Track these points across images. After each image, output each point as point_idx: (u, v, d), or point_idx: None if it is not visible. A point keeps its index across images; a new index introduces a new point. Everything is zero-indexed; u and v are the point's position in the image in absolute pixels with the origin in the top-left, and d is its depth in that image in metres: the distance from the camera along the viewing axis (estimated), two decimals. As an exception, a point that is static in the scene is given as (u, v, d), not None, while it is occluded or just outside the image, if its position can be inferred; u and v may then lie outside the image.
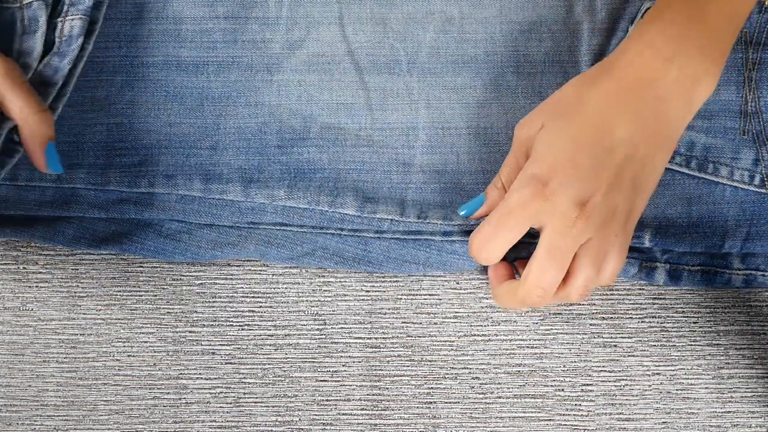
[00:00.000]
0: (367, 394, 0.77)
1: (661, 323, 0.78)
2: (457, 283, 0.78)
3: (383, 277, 0.78)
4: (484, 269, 0.78)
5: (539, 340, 0.78)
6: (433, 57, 0.78)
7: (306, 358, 0.77)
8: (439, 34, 0.78)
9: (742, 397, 0.77)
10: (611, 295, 0.78)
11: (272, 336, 0.78)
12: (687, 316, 0.78)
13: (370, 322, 0.78)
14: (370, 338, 0.78)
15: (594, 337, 0.78)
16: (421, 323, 0.78)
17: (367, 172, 0.77)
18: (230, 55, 0.78)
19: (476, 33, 0.78)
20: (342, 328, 0.78)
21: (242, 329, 0.78)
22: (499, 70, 0.78)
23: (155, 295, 0.78)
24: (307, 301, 0.78)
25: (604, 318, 0.78)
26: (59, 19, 0.74)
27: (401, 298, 0.78)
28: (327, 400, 0.77)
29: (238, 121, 0.78)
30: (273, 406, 0.77)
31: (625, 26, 0.78)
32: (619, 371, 0.77)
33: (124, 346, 0.77)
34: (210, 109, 0.78)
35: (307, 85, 0.78)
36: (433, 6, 0.79)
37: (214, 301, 0.78)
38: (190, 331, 0.78)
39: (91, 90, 0.78)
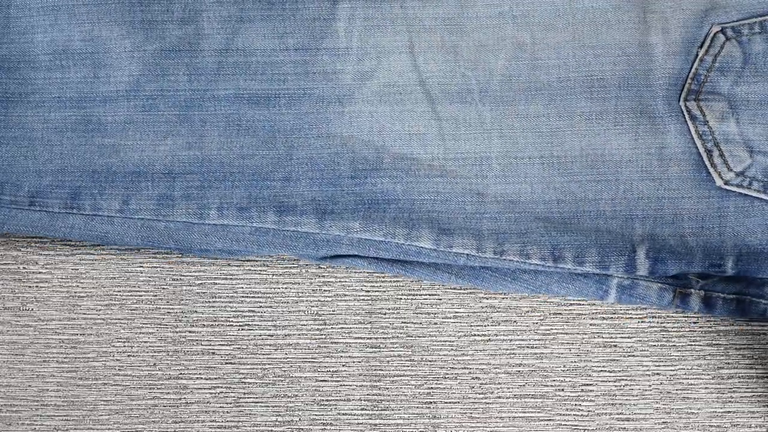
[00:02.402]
0: (367, 394, 0.77)
1: (661, 323, 0.78)
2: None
3: (383, 277, 0.78)
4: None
5: (539, 340, 0.78)
6: (505, 85, 0.77)
7: (306, 358, 0.77)
8: (511, 62, 0.77)
9: (742, 397, 0.77)
10: (611, 295, 0.78)
11: (272, 336, 0.78)
12: (687, 316, 0.78)
13: (370, 322, 0.78)
14: (370, 338, 0.78)
15: (594, 337, 0.78)
16: (421, 323, 0.78)
17: (442, 203, 0.76)
18: (301, 87, 0.77)
19: (548, 59, 0.77)
20: (342, 328, 0.78)
21: (242, 329, 0.78)
22: (572, 96, 0.77)
23: (155, 295, 0.78)
24: (307, 301, 0.78)
25: (604, 318, 0.78)
26: None
27: (401, 298, 0.78)
28: (327, 400, 0.77)
29: (310, 152, 0.77)
30: (273, 406, 0.77)
31: (696, 50, 0.76)
32: (619, 371, 0.77)
33: (124, 346, 0.77)
34: (282, 141, 0.77)
35: (379, 115, 0.77)
36: (505, 32, 0.77)
37: (214, 301, 0.78)
38: (190, 331, 0.78)
39: (161, 124, 0.77)
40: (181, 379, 0.77)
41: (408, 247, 0.75)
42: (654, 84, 0.76)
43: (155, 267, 0.78)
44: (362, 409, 0.77)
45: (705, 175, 0.75)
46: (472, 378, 0.77)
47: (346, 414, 0.77)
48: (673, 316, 0.78)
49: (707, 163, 0.75)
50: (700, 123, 0.75)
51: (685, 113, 0.75)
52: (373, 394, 0.77)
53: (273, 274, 0.78)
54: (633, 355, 0.77)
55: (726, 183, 0.75)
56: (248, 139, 0.77)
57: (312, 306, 0.78)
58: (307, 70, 0.77)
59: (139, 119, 0.77)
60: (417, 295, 0.78)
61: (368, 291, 0.78)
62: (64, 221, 0.76)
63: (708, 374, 0.77)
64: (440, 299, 0.78)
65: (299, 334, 0.78)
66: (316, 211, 0.76)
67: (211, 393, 0.77)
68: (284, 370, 0.77)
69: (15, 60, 0.77)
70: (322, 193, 0.76)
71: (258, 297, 0.78)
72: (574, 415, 0.77)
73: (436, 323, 0.78)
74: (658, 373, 0.77)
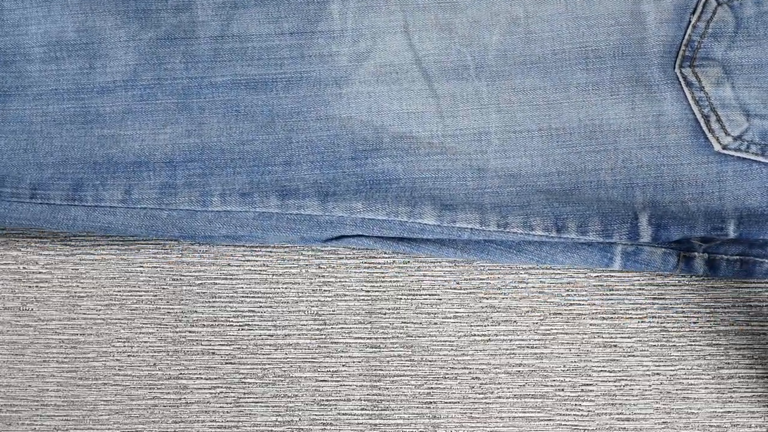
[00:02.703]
0: (367, 394, 0.77)
1: (661, 323, 0.78)
2: (457, 283, 0.78)
3: (383, 277, 0.78)
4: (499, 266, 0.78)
5: (539, 340, 0.78)
6: (500, 59, 0.77)
7: (306, 358, 0.77)
8: (505, 36, 0.77)
9: (742, 397, 0.77)
10: (611, 295, 0.78)
11: (272, 336, 0.78)
12: (687, 316, 0.78)
13: (370, 322, 0.78)
14: (370, 338, 0.78)
15: (594, 337, 0.78)
16: (421, 323, 0.78)
17: (443, 180, 0.76)
18: (298, 71, 0.77)
19: (542, 32, 0.77)
20: (342, 328, 0.78)
21: (242, 329, 0.78)
22: (567, 68, 0.77)
23: (155, 295, 0.78)
24: (307, 301, 0.78)
25: (604, 318, 0.78)
26: None
27: (401, 298, 0.78)
28: (327, 400, 0.77)
29: (309, 134, 0.77)
30: (273, 406, 0.77)
31: (689, 16, 0.77)
32: (619, 371, 0.77)
33: (124, 346, 0.77)
34: (281, 125, 0.77)
35: (377, 96, 0.77)
36: (498, 7, 0.78)
37: (214, 301, 0.78)
38: (190, 331, 0.78)
39: (160, 113, 0.77)
40: (181, 379, 0.77)
41: (411, 225, 0.76)
42: (648, 52, 0.77)
43: (155, 267, 0.78)
44: (362, 409, 0.77)
45: (703, 141, 0.76)
46: (472, 378, 0.77)
47: (346, 414, 0.77)
48: (673, 316, 0.78)
49: (705, 128, 0.76)
50: (695, 89, 0.76)
51: (681, 80, 0.76)
52: (373, 394, 0.77)
53: (273, 274, 0.78)
54: (633, 355, 0.77)
55: (724, 147, 0.75)
56: (247, 124, 0.77)
57: (312, 306, 0.78)
58: (303, 54, 0.78)
59: (138, 109, 0.77)
60: (417, 295, 0.78)
61: (368, 291, 0.78)
62: (66, 213, 0.76)
63: (708, 374, 0.77)
64: (440, 299, 0.78)
65: (299, 334, 0.78)
66: (319, 194, 0.76)
67: (211, 393, 0.77)
68: (284, 370, 0.77)
69: (10, 53, 0.77)
70: (324, 176, 0.77)
71: (258, 297, 0.78)
72: (574, 415, 0.77)
73: (436, 323, 0.78)
74: (658, 373, 0.77)
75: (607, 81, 0.77)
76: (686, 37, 0.76)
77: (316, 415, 0.77)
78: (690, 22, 0.77)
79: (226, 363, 0.77)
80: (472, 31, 0.78)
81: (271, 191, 0.76)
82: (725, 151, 0.75)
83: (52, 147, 0.77)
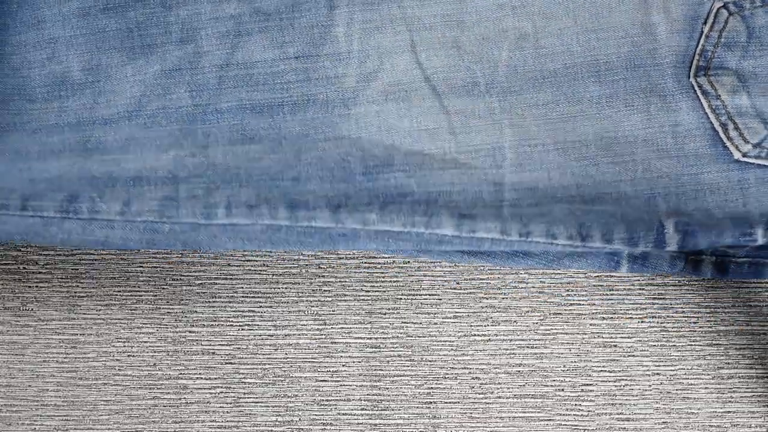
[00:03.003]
0: (367, 394, 0.77)
1: (661, 323, 0.78)
2: (457, 283, 0.78)
3: (383, 277, 0.78)
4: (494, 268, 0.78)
5: (539, 340, 0.78)
6: (511, 75, 0.76)
7: (306, 358, 0.77)
8: (515, 52, 0.77)
9: (742, 397, 0.77)
10: (611, 295, 0.78)
11: (272, 336, 0.78)
12: (687, 316, 0.78)
13: (370, 322, 0.78)
14: (370, 338, 0.78)
15: (594, 337, 0.78)
16: (421, 323, 0.78)
17: (459, 193, 0.75)
18: (305, 94, 0.76)
19: (552, 46, 0.77)
20: (342, 328, 0.78)
21: (242, 329, 0.78)
22: (579, 81, 0.76)
23: (155, 295, 0.78)
24: (307, 301, 0.78)
25: (604, 318, 0.78)
26: None
27: (401, 298, 0.78)
28: (327, 400, 0.77)
29: (319, 153, 0.75)
30: (273, 406, 0.77)
31: (701, 26, 0.77)
32: (619, 371, 0.77)
33: (124, 346, 0.77)
34: (289, 146, 0.76)
35: (386, 114, 0.76)
36: (506, 23, 0.77)
37: (214, 301, 0.78)
38: (190, 331, 0.78)
39: (164, 138, 0.76)
40: (181, 379, 0.77)
41: (429, 236, 0.73)
42: (661, 63, 0.76)
43: (155, 267, 0.78)
44: (362, 409, 0.77)
45: (722, 149, 0.75)
46: (472, 378, 0.77)
47: (346, 414, 0.77)
48: (673, 316, 0.78)
49: (723, 137, 0.75)
50: (712, 98, 0.75)
51: (697, 89, 0.75)
52: (373, 394, 0.77)
53: (273, 274, 0.78)
54: (633, 355, 0.77)
55: (744, 155, 0.75)
56: (254, 146, 0.76)
57: (312, 306, 0.78)
58: (310, 77, 0.77)
59: (141, 135, 0.75)
60: (417, 295, 0.78)
61: (368, 291, 0.78)
62: (59, 226, 0.73)
63: (708, 374, 0.77)
64: (440, 299, 0.78)
65: (299, 334, 0.78)
66: (330, 205, 0.74)
67: (211, 393, 0.77)
68: (284, 370, 0.77)
69: (9, 93, 0.76)
70: (335, 190, 0.74)
71: (258, 297, 0.78)
72: (574, 415, 0.77)
73: (436, 323, 0.78)
74: (658, 373, 0.77)
75: (621, 93, 0.76)
76: (699, 47, 0.76)
77: (316, 415, 0.77)
78: (702, 32, 0.76)
79: (226, 363, 0.77)
80: (481, 48, 0.77)
81: (280, 203, 0.74)
82: (745, 159, 0.75)
83: (48, 165, 0.74)
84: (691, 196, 0.75)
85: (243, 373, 0.77)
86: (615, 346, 0.78)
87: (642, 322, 0.78)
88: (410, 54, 0.77)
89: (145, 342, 0.77)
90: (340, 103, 0.76)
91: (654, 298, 0.78)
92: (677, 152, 0.75)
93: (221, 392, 0.77)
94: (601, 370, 0.77)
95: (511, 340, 0.78)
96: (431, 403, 0.77)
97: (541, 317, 0.78)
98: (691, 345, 0.78)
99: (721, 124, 0.75)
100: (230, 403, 0.77)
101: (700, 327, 0.78)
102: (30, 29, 0.77)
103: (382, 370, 0.77)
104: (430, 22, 0.77)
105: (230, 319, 0.78)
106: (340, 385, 0.77)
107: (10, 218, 0.73)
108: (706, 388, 0.77)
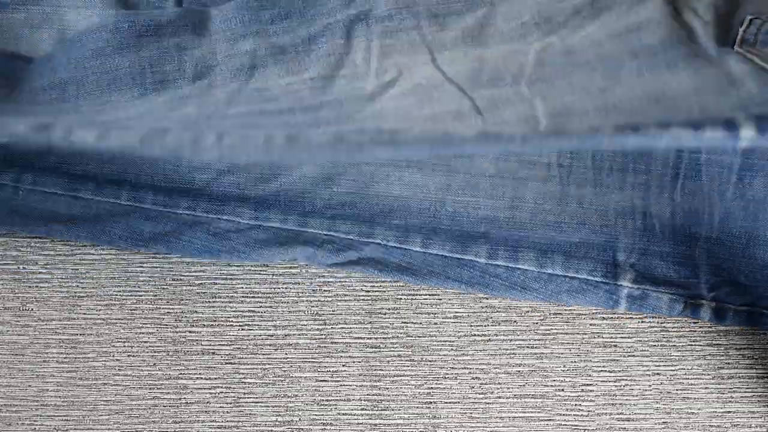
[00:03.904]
0: (367, 394, 0.77)
1: (661, 323, 0.78)
2: (457, 283, 0.78)
3: (383, 277, 0.78)
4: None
5: (539, 340, 0.78)
6: (539, 68, 0.75)
7: (306, 358, 0.77)
8: (541, 53, 0.75)
9: (742, 397, 0.77)
10: (611, 295, 0.78)
11: (272, 336, 0.78)
12: (687, 316, 0.78)
13: (370, 322, 0.78)
14: (370, 338, 0.78)
15: (594, 337, 0.78)
16: (421, 323, 0.78)
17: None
18: (318, 100, 0.76)
19: (582, 45, 0.75)
20: (342, 328, 0.78)
21: (242, 329, 0.78)
22: (616, 62, 0.74)
23: (155, 295, 0.78)
24: (307, 301, 0.78)
25: (604, 318, 0.78)
26: None
27: (401, 298, 0.78)
28: (327, 400, 0.77)
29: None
30: (273, 406, 0.77)
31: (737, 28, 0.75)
32: (619, 371, 0.77)
33: (124, 346, 0.77)
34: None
35: (405, 107, 0.75)
36: (531, 38, 0.76)
37: (214, 301, 0.78)
38: (190, 331, 0.78)
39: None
40: (181, 379, 0.77)
41: (490, 267, 0.77)
42: (699, 42, 0.74)
43: (155, 267, 0.78)
44: (362, 409, 0.77)
45: None
46: (472, 378, 0.77)
47: (346, 414, 0.77)
48: (673, 316, 0.78)
49: None
50: (761, 60, 0.73)
51: (744, 54, 0.73)
52: (373, 394, 0.77)
53: (273, 274, 0.78)
54: (633, 355, 0.77)
55: None
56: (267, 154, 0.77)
57: (312, 306, 0.78)
58: (325, 92, 0.76)
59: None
60: (417, 295, 0.78)
61: (368, 291, 0.78)
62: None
63: (708, 374, 0.77)
64: (440, 299, 0.78)
65: (299, 334, 0.78)
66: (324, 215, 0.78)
67: (211, 393, 0.77)
68: (284, 370, 0.77)
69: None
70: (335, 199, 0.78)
71: (258, 297, 0.78)
72: (574, 415, 0.77)
73: (436, 323, 0.78)
74: (658, 373, 0.77)
75: (662, 62, 0.73)
76: (740, 36, 0.75)
77: (316, 415, 0.77)
78: (737, 31, 0.74)
79: (226, 363, 0.77)
80: (506, 57, 0.75)
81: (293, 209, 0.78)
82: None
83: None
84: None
85: (243, 373, 0.77)
86: (615, 346, 0.78)
87: (642, 322, 0.78)
88: (431, 66, 0.75)
89: (145, 342, 0.77)
90: (354, 101, 0.76)
91: (654, 298, 0.78)
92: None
93: (221, 392, 0.77)
94: (601, 370, 0.77)
95: (511, 340, 0.78)
96: (431, 403, 0.77)
97: (541, 317, 0.78)
98: (691, 345, 0.78)
99: None
100: (230, 403, 0.77)
101: (700, 327, 0.78)
102: (43, 77, 0.76)
103: (382, 370, 0.77)
104: (451, 43, 0.76)
105: (230, 319, 0.78)
106: (340, 385, 0.77)
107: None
108: (706, 388, 0.77)
